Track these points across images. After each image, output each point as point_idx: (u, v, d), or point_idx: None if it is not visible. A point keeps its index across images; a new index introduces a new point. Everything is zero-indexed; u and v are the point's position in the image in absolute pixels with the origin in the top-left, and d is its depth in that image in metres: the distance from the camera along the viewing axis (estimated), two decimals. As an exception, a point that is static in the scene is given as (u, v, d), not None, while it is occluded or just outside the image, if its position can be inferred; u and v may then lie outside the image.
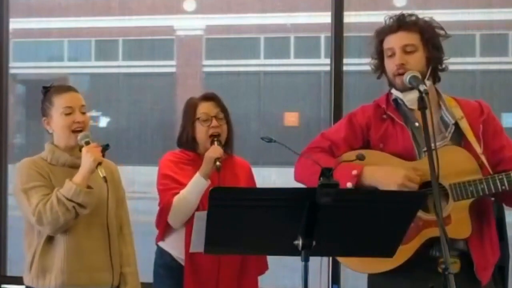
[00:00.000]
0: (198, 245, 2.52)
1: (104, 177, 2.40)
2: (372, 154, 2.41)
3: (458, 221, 2.31)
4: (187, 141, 2.84)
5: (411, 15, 2.44)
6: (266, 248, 2.13)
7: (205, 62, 6.79)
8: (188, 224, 2.72)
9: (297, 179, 2.54)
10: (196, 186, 2.70)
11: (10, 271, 4.23)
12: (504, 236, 2.48)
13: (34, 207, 2.39)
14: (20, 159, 2.60)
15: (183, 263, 2.75)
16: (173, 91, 6.65)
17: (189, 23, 6.74)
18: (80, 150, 2.49)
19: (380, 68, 2.50)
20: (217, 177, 2.72)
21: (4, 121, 4.27)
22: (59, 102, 2.53)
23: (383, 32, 2.46)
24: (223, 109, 2.84)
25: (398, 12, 2.48)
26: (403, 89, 2.39)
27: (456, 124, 2.40)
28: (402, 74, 2.35)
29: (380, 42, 2.47)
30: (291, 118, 6.15)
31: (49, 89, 2.59)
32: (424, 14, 2.48)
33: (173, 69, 6.92)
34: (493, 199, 2.46)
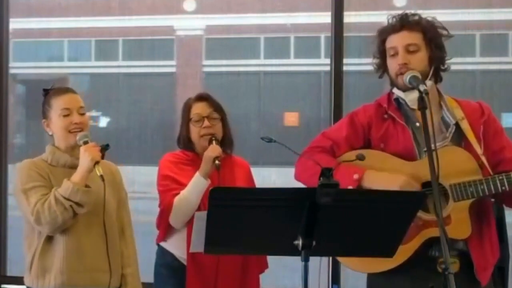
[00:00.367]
0: (198, 245, 2.52)
1: (101, 176, 2.40)
2: (373, 154, 2.41)
3: (458, 221, 2.31)
4: (184, 142, 2.85)
5: (414, 14, 2.44)
6: (266, 248, 2.13)
7: (205, 62, 6.79)
8: (190, 224, 2.72)
9: (297, 178, 2.54)
10: (196, 186, 2.70)
11: (10, 271, 4.23)
12: (504, 237, 2.48)
13: (33, 206, 2.40)
14: (20, 159, 2.60)
15: (185, 263, 2.75)
16: (173, 91, 6.66)
17: (189, 23, 6.74)
18: None
19: (382, 68, 2.50)
20: (217, 176, 2.72)
21: (4, 121, 4.27)
22: (57, 104, 2.54)
23: (385, 31, 2.46)
24: (217, 109, 2.84)
25: (398, 12, 2.47)
26: (405, 89, 2.39)
27: (457, 125, 2.40)
28: (406, 72, 2.35)
29: (383, 41, 2.47)
30: (291, 118, 6.15)
31: (48, 92, 2.60)
32: (424, 14, 2.48)
33: (173, 69, 6.92)
34: (493, 200, 2.46)
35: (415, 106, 2.37)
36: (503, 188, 2.28)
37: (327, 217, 1.90)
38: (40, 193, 2.43)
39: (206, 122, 2.79)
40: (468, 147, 2.36)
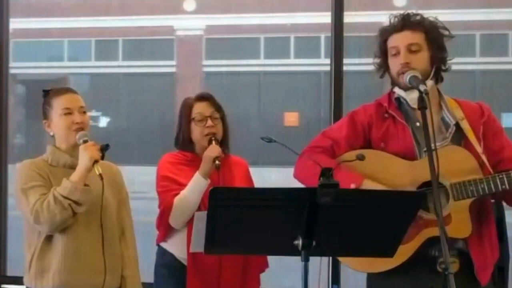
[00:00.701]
0: (198, 245, 2.52)
1: (100, 175, 2.40)
2: (373, 154, 2.41)
3: (459, 220, 2.31)
4: (184, 142, 2.84)
5: (416, 14, 2.44)
6: (266, 248, 2.13)
7: (205, 62, 6.79)
8: (190, 224, 2.72)
9: (296, 176, 2.54)
10: (196, 186, 2.70)
11: (10, 271, 4.22)
12: (504, 237, 2.48)
13: (32, 205, 2.40)
14: (20, 159, 2.60)
15: (185, 263, 2.75)
16: (173, 91, 6.66)
17: (189, 23, 6.75)
18: None
19: (383, 67, 2.50)
20: (217, 176, 2.72)
21: (4, 121, 4.27)
22: (58, 104, 2.54)
23: (387, 31, 2.46)
24: (218, 109, 2.84)
25: (398, 12, 2.47)
26: (407, 88, 2.39)
27: (457, 125, 2.40)
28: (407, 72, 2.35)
29: (384, 41, 2.47)
30: (291, 118, 6.16)
31: (48, 93, 2.60)
32: (424, 14, 2.48)
33: (173, 69, 6.92)
34: (493, 201, 2.46)
35: (416, 106, 2.36)
36: (503, 187, 2.28)
37: (327, 217, 1.90)
38: (39, 193, 2.43)
39: (210, 122, 2.79)
40: (468, 147, 2.36)
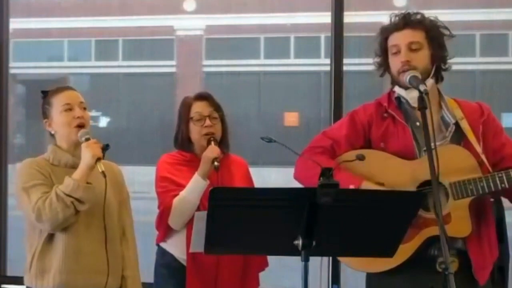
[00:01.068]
0: (198, 245, 2.52)
1: (103, 172, 2.40)
2: (373, 154, 2.41)
3: (458, 219, 2.31)
4: (182, 141, 2.83)
5: (416, 13, 2.45)
6: (266, 248, 2.13)
7: (205, 62, 6.80)
8: (190, 224, 2.72)
9: (296, 176, 2.54)
10: (195, 186, 2.70)
11: (10, 271, 4.22)
12: (504, 237, 2.48)
13: (34, 204, 2.39)
14: (20, 159, 2.59)
15: (184, 263, 2.75)
16: (173, 91, 6.67)
17: (189, 23, 6.75)
18: None
19: (383, 66, 2.50)
20: (216, 176, 2.71)
21: (4, 121, 4.27)
22: (58, 101, 2.53)
23: (388, 29, 2.46)
24: (217, 108, 2.83)
25: (400, 11, 2.48)
26: (407, 87, 2.39)
27: (457, 125, 2.40)
28: (407, 71, 2.35)
29: (385, 39, 2.47)
30: (291, 118, 6.16)
31: (47, 93, 2.59)
32: (424, 14, 2.48)
33: (173, 69, 6.93)
34: (492, 200, 2.46)
35: (416, 105, 2.36)
36: (503, 185, 2.28)
37: (327, 217, 1.90)
38: (41, 191, 2.42)
39: (208, 122, 2.78)
40: (468, 146, 2.36)
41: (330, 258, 3.40)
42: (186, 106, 2.84)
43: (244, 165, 2.95)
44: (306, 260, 1.93)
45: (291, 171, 2.56)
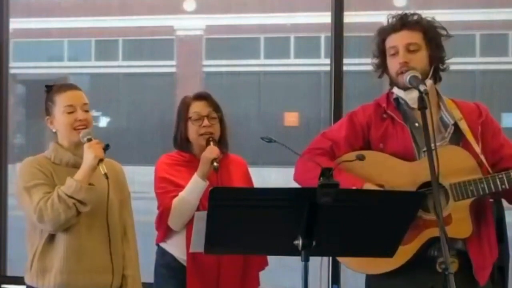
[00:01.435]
0: (198, 245, 2.52)
1: (105, 174, 2.39)
2: (372, 155, 2.41)
3: (459, 220, 2.31)
4: (181, 141, 2.83)
5: (413, 14, 2.45)
6: (266, 248, 2.13)
7: (205, 62, 6.80)
8: (190, 224, 2.72)
9: (296, 179, 2.54)
10: (194, 187, 2.69)
11: (10, 271, 4.22)
12: (504, 237, 2.48)
13: (35, 204, 2.38)
14: (20, 159, 2.58)
15: (184, 264, 2.75)
16: (173, 91, 6.67)
17: (189, 23, 6.76)
18: None
19: (381, 67, 2.50)
20: (216, 177, 2.71)
21: (4, 121, 4.27)
22: (61, 101, 2.52)
23: (386, 31, 2.46)
24: (216, 109, 2.83)
25: (398, 12, 2.48)
26: (406, 88, 2.39)
27: (456, 125, 2.40)
28: (406, 72, 2.35)
29: (383, 41, 2.47)
30: (291, 118, 6.17)
31: (51, 88, 2.58)
32: (424, 14, 2.48)
33: (173, 69, 6.93)
34: (492, 200, 2.46)
35: (415, 105, 2.36)
36: (503, 186, 2.28)
37: (327, 217, 1.90)
38: (43, 191, 2.42)
39: (206, 121, 2.78)
40: (467, 147, 2.36)
41: (330, 258, 3.40)
42: (184, 105, 2.83)
43: (243, 165, 2.94)
44: (306, 260, 1.93)
45: (291, 171, 2.56)
